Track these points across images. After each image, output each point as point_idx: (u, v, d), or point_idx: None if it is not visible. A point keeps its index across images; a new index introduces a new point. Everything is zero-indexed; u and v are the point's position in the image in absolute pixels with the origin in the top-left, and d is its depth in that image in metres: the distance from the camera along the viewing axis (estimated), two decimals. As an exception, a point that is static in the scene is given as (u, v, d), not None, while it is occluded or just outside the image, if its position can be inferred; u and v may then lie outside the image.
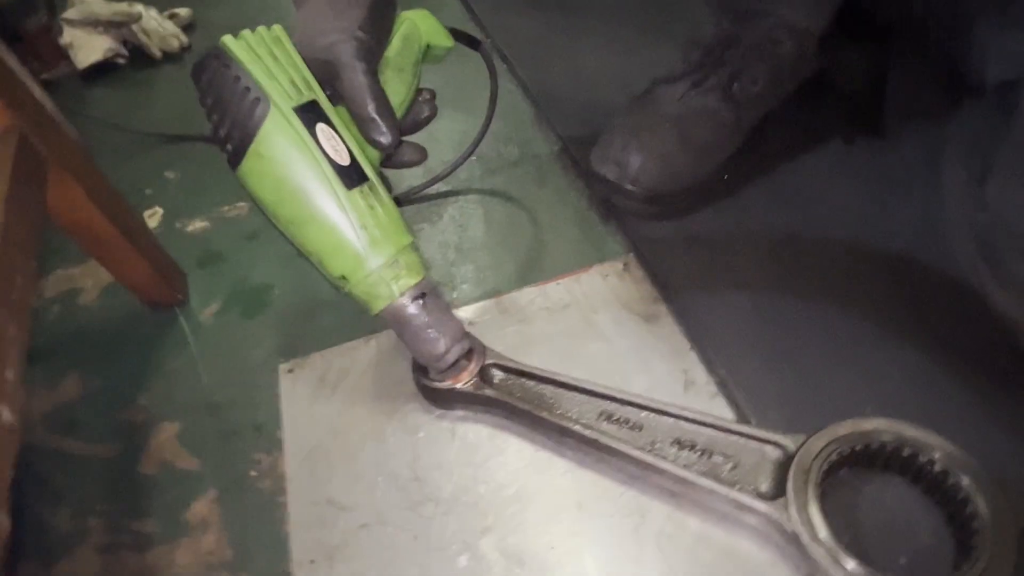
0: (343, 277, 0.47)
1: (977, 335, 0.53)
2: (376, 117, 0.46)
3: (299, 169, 0.44)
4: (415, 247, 0.49)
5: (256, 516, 0.53)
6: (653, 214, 0.66)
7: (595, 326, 0.60)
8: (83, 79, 1.00)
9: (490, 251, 0.69)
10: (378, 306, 0.48)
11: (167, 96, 0.97)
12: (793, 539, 0.43)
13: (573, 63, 0.86)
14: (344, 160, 0.46)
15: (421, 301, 0.49)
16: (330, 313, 0.66)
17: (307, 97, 0.45)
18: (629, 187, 0.64)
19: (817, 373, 0.54)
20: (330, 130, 0.46)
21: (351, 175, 0.46)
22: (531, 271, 0.66)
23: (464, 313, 0.63)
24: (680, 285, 0.61)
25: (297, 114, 0.44)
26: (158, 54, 1.02)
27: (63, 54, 1.00)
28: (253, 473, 0.55)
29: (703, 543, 0.47)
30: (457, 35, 0.59)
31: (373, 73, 0.47)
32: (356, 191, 0.46)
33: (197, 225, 0.78)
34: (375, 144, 0.47)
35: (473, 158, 0.73)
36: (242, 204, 0.79)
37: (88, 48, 0.98)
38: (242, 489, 0.55)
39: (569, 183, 0.74)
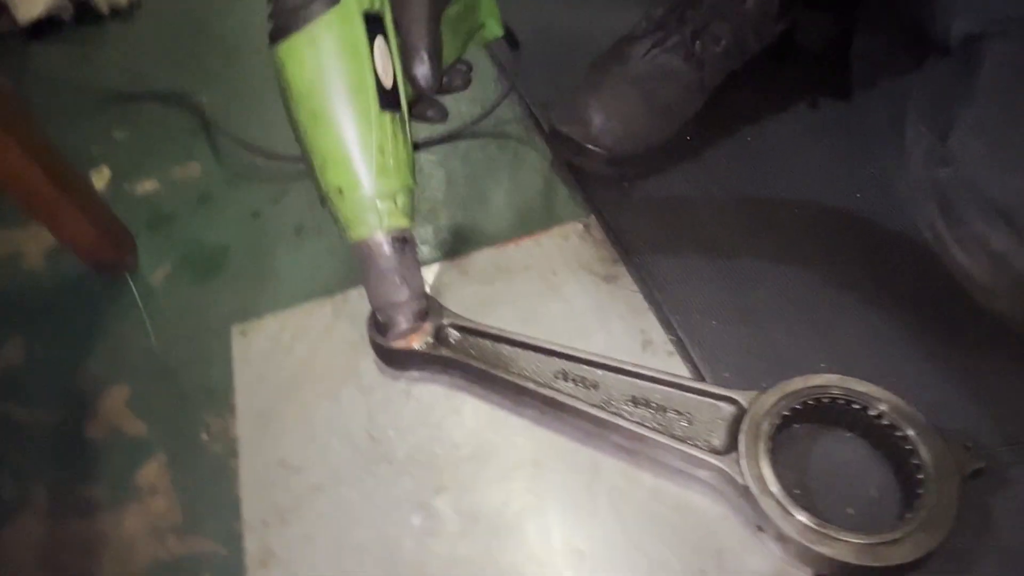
0: (339, 190, 0.45)
1: (933, 295, 0.53)
2: (426, 56, 0.46)
3: (345, 69, 0.43)
4: (414, 194, 0.49)
5: (207, 479, 0.52)
6: (615, 175, 0.65)
7: (554, 287, 0.60)
8: (26, 35, 0.96)
9: (450, 213, 0.67)
10: (359, 234, 0.47)
11: (115, 54, 0.93)
12: (744, 492, 0.43)
13: (540, 23, 0.84)
14: (388, 82, 0.45)
15: (400, 246, 0.48)
16: (287, 276, 0.64)
17: (378, 8, 0.44)
18: (591, 147, 0.63)
19: (773, 332, 0.54)
20: (386, 48, 0.45)
21: (389, 99, 0.45)
22: (491, 233, 0.65)
23: (423, 275, 0.62)
24: (640, 246, 0.61)
25: (364, 19, 0.43)
26: (105, 10, 0.97)
27: (2, 9, 0.95)
28: (204, 437, 0.54)
29: (656, 498, 0.47)
30: (506, 29, 0.58)
31: (436, 18, 0.46)
32: (388, 114, 0.45)
33: (147, 186, 0.75)
34: (416, 82, 0.47)
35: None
36: (194, 164, 0.76)
37: (29, 3, 0.93)
38: (193, 453, 0.53)
39: (532, 145, 0.72)
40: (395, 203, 0.47)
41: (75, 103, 0.85)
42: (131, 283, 0.65)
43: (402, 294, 0.49)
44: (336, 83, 0.43)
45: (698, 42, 0.64)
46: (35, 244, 0.70)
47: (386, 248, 0.48)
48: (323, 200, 0.47)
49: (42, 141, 0.56)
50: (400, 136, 0.46)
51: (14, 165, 0.53)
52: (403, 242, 0.48)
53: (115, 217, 0.66)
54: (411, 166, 0.48)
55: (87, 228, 0.60)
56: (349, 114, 0.44)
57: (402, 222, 0.48)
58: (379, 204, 0.46)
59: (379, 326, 0.54)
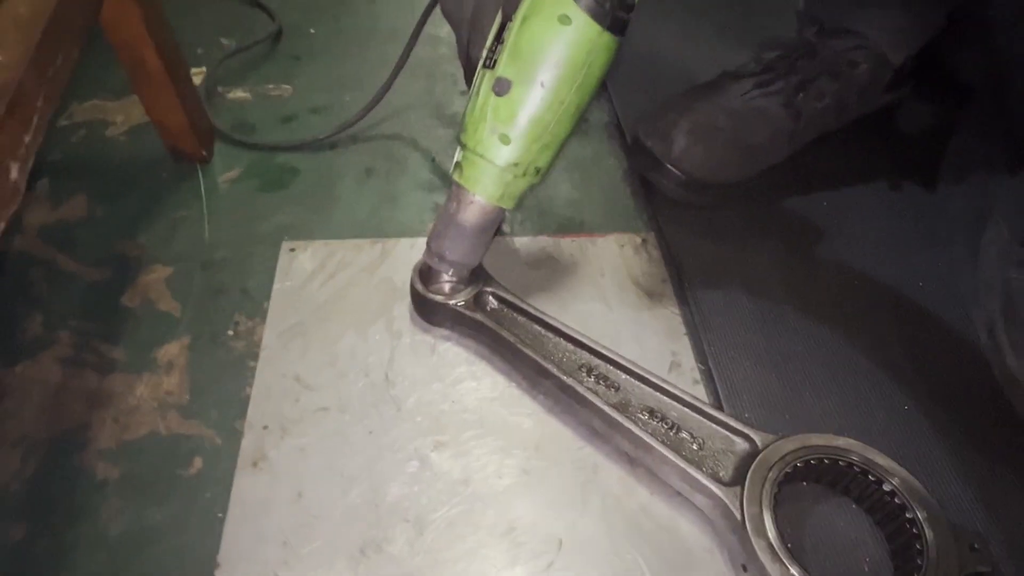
0: (503, 137, 0.45)
1: (969, 395, 0.52)
2: None
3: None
4: (534, 188, 0.49)
5: (222, 372, 0.53)
6: (685, 199, 0.65)
7: (598, 288, 0.60)
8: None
9: (516, 194, 0.68)
10: (471, 185, 0.48)
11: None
12: (738, 528, 0.43)
13: (645, 46, 0.85)
14: None
15: (492, 220, 0.50)
16: (346, 210, 0.66)
17: None
18: (669, 166, 0.63)
19: (802, 389, 0.53)
20: None
21: None
22: (550, 223, 0.65)
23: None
24: (691, 273, 0.61)
25: None
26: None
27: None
28: (230, 332, 0.55)
29: (646, 513, 0.47)
30: None
31: None
32: None
33: (238, 95, 0.77)
34: None
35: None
36: (287, 86, 0.78)
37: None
38: (216, 344, 0.54)
39: (610, 152, 0.73)
40: (521, 178, 0.47)
41: (194, 2, 0.89)
42: (200, 175, 0.67)
43: (459, 255, 0.50)
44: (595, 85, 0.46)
45: (802, 94, 0.64)
46: (123, 117, 0.73)
47: (478, 216, 0.49)
48: (471, 118, 0.47)
49: (162, 19, 0.58)
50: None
51: (133, 33, 0.55)
52: (495, 220, 0.50)
53: (204, 111, 0.68)
54: (553, 159, 0.48)
55: (178, 112, 0.63)
56: (569, 101, 0.45)
57: (509, 204, 0.49)
58: (510, 174, 0.47)
59: (423, 275, 0.54)
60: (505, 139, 0.46)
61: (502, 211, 0.49)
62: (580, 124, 0.48)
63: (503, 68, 0.45)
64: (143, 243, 0.61)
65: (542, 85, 0.44)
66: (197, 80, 0.79)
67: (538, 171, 0.48)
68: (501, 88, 0.45)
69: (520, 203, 0.49)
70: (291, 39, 0.85)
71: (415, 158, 0.71)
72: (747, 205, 0.67)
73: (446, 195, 0.50)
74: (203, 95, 0.76)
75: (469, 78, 0.54)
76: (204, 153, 0.68)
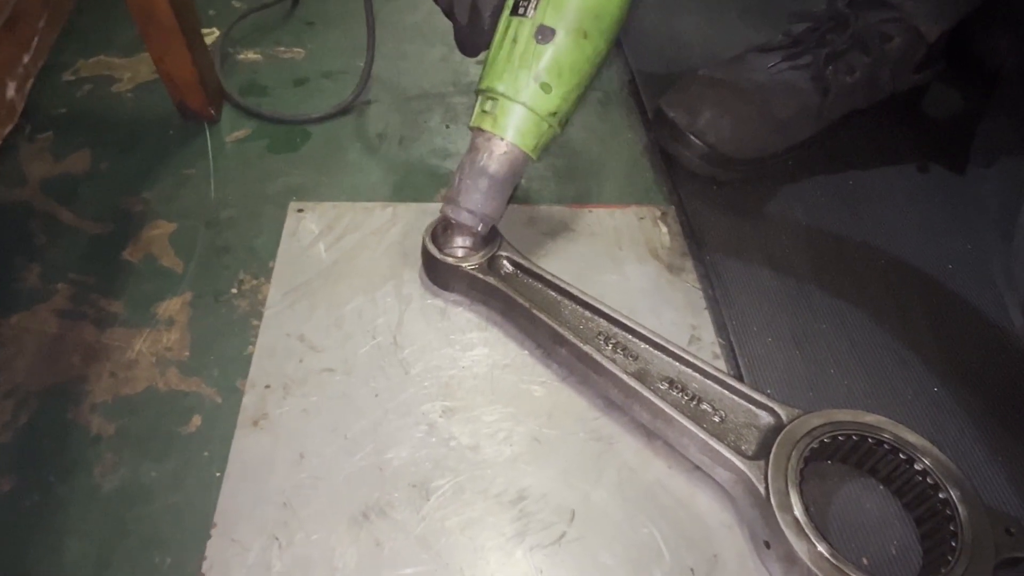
0: (545, 86, 0.45)
1: (1000, 380, 0.50)
2: None
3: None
4: (556, 138, 0.49)
5: (224, 330, 0.51)
6: (707, 173, 0.63)
7: (616, 260, 0.58)
8: None
9: (534, 166, 0.66)
10: (509, 135, 0.46)
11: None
12: (762, 503, 0.41)
13: (667, 23, 0.83)
14: None
15: (518, 168, 0.48)
16: (356, 174, 0.64)
17: None
18: (693, 138, 0.61)
19: (827, 367, 0.51)
20: None
21: None
22: (569, 193, 0.63)
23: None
24: (713, 247, 0.59)
25: None
26: None
27: None
28: (234, 290, 0.53)
29: (663, 487, 0.44)
30: None
31: None
32: None
33: (250, 56, 0.75)
34: None
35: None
36: (299, 49, 0.76)
37: None
38: (218, 301, 0.53)
39: (629, 124, 0.71)
40: (555, 128, 0.47)
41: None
42: (207, 134, 0.65)
43: (489, 207, 0.48)
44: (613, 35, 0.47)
45: (831, 67, 0.62)
46: (130, 74, 0.71)
47: (508, 165, 0.47)
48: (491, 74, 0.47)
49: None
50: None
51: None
52: (521, 171, 0.48)
53: (214, 68, 0.66)
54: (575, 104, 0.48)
55: (187, 66, 0.61)
56: (603, 52, 0.47)
57: (536, 155, 0.48)
58: (546, 124, 0.46)
59: (436, 238, 0.52)
60: (547, 88, 0.45)
61: (527, 162, 0.48)
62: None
63: (545, 16, 0.45)
64: (147, 199, 0.59)
65: (585, 35, 0.45)
66: (209, 41, 0.77)
67: (566, 122, 0.47)
68: (544, 36, 0.45)
69: (541, 156, 0.48)
70: (305, 5, 0.83)
71: (429, 125, 0.69)
72: (771, 181, 0.65)
73: (459, 160, 0.49)
74: (215, 57, 0.74)
75: (466, 38, 0.53)
76: (212, 112, 0.66)
